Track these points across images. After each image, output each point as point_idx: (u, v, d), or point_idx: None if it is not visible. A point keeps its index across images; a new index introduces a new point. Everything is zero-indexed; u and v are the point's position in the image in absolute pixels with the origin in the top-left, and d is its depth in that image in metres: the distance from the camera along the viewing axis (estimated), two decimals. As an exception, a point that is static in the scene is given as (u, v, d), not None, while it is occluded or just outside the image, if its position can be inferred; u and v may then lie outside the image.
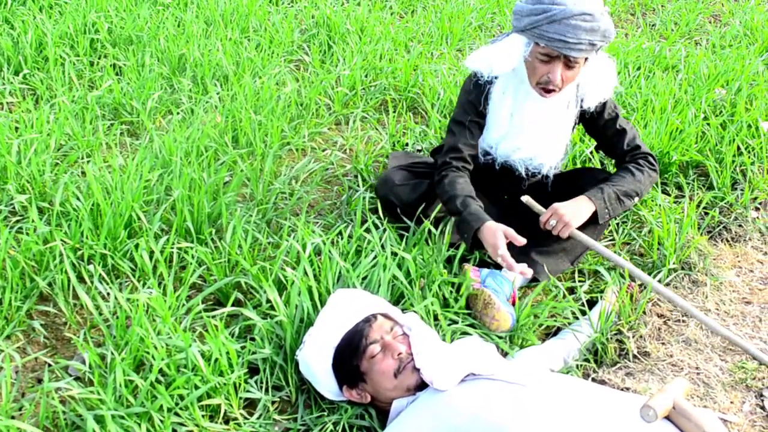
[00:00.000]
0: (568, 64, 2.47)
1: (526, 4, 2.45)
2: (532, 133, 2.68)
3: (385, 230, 2.63)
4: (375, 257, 2.51)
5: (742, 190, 3.23)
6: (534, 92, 2.57)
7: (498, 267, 2.65)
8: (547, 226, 2.59)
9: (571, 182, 2.83)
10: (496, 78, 2.63)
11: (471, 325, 2.45)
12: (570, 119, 2.71)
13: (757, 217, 3.11)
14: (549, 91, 2.54)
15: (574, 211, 2.59)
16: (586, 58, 2.51)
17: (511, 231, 2.46)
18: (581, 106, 2.68)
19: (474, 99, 2.68)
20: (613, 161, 2.88)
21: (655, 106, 3.55)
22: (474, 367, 1.99)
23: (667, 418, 1.83)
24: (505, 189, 2.89)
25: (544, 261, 2.65)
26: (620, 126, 2.75)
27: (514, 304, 2.52)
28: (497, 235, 2.44)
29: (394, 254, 2.52)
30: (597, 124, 2.76)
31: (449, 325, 2.41)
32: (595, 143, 2.90)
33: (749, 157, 3.34)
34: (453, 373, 1.97)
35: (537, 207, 2.71)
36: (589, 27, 2.36)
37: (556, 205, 2.60)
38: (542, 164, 2.75)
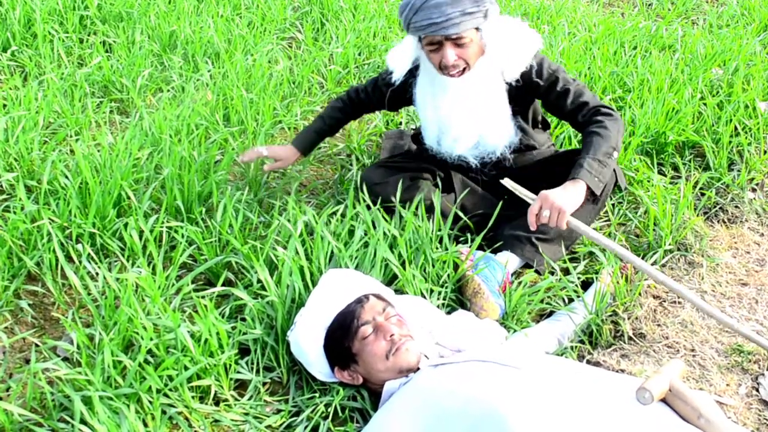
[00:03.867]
0: (456, 42, 2.43)
1: (402, 4, 2.45)
2: (464, 117, 2.62)
3: (377, 209, 2.60)
4: (367, 236, 2.47)
5: (738, 170, 3.20)
6: (448, 79, 2.53)
7: (493, 251, 2.62)
8: (541, 219, 2.35)
9: (561, 163, 2.73)
10: (405, 79, 2.70)
11: (462, 304, 2.43)
12: (500, 92, 2.61)
13: (754, 198, 3.08)
14: (458, 73, 2.51)
15: (565, 196, 2.36)
16: (477, 28, 2.44)
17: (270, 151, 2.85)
18: (506, 80, 2.59)
19: (397, 91, 2.79)
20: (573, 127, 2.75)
21: (651, 86, 3.51)
22: (468, 347, 1.98)
23: (663, 400, 1.81)
24: (481, 176, 2.82)
25: (543, 250, 2.58)
26: (562, 88, 2.60)
27: (505, 289, 2.49)
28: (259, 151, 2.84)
29: (386, 234, 2.49)
30: (539, 93, 2.64)
31: (441, 302, 2.39)
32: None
33: (746, 138, 3.31)
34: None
35: (521, 191, 2.53)
36: (460, 1, 2.35)
37: (544, 192, 2.36)
38: (494, 146, 2.68)
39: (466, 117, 2.61)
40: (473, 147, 2.69)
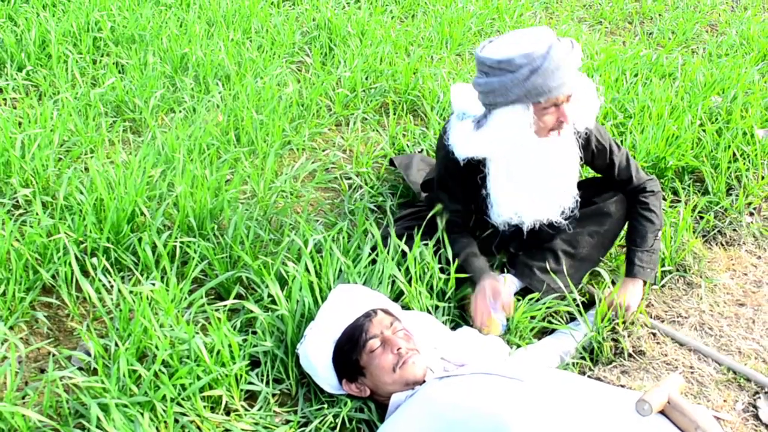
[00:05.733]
0: (569, 98, 2.36)
1: (499, 78, 2.27)
2: (537, 186, 2.53)
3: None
4: (375, 252, 2.53)
5: (736, 195, 3.27)
6: (528, 144, 2.42)
7: (501, 270, 2.68)
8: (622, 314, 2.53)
9: (591, 189, 2.75)
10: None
11: (466, 321, 2.48)
12: (575, 154, 2.54)
13: (751, 222, 3.15)
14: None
15: (629, 295, 2.55)
16: None
17: (496, 289, 2.45)
18: (579, 130, 2.52)
19: (466, 175, 2.58)
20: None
21: (652, 112, 3.59)
22: (472, 362, 2.03)
23: (662, 412, 1.86)
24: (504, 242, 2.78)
25: (549, 279, 2.60)
26: (610, 159, 2.65)
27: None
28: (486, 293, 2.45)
29: (396, 250, 2.55)
30: (592, 156, 2.63)
31: (446, 318, 2.44)
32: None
33: (744, 164, 3.38)
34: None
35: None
36: (572, 59, 2.28)
37: (613, 299, 2.54)
38: (550, 218, 2.61)
39: (541, 184, 2.52)
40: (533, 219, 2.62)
